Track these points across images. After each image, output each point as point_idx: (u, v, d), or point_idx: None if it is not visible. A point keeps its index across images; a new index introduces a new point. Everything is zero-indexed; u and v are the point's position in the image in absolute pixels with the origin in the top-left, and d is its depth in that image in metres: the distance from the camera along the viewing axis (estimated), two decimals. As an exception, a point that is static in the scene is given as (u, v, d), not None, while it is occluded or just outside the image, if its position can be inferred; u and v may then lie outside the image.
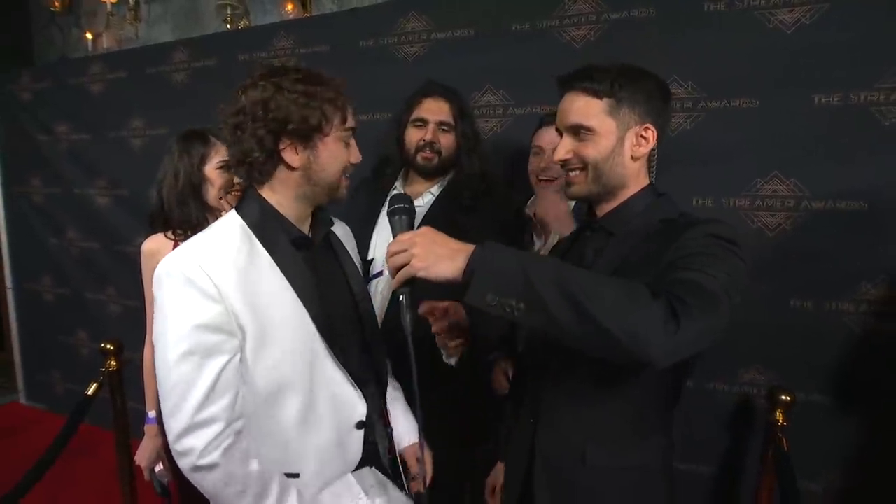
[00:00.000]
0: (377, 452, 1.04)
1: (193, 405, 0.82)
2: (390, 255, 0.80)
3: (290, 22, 2.39)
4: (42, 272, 3.19)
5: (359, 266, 1.10)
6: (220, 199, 1.36)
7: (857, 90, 1.49)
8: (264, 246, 0.91)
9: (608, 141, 0.89)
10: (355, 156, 0.97)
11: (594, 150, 0.90)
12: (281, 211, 0.94)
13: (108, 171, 2.81)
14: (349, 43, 2.16)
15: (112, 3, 3.02)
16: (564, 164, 0.94)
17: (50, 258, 3.12)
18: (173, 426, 0.83)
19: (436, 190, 1.41)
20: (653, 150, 0.93)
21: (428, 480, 1.08)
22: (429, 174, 1.39)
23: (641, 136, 0.90)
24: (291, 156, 0.89)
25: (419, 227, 1.27)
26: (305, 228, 0.99)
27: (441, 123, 1.37)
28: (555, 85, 1.95)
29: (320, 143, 0.90)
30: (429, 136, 1.36)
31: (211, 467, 0.82)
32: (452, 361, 1.01)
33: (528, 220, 1.51)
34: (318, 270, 0.97)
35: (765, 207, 1.61)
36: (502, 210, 1.38)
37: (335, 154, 0.92)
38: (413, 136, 1.39)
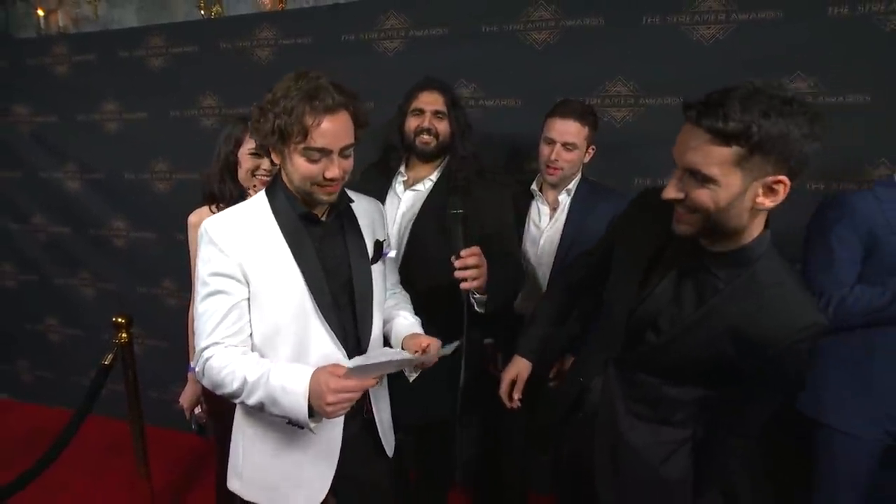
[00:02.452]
0: (360, 409, 1.22)
1: (208, 330, 1.08)
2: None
3: (273, 13, 2.49)
4: (1, 259, 3.12)
5: (370, 245, 1.22)
6: (249, 180, 1.54)
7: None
8: (276, 218, 1.11)
9: (727, 193, 0.81)
10: (330, 172, 1.04)
11: (710, 200, 0.82)
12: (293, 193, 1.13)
13: (79, 155, 2.80)
14: (331, 36, 2.31)
15: (67, -20, 2.94)
16: (675, 202, 0.88)
17: (11, 245, 3.06)
18: (197, 344, 1.10)
19: (435, 176, 1.60)
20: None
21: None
22: (427, 157, 1.60)
23: (770, 188, 0.81)
24: (275, 154, 1.09)
25: (421, 209, 1.55)
26: (320, 208, 1.15)
27: (436, 112, 1.57)
28: (518, 80, 2.21)
29: (287, 152, 1.06)
30: (426, 123, 1.56)
31: (207, 362, 1.08)
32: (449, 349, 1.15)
33: (533, 195, 1.79)
34: (322, 244, 1.14)
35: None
36: (495, 190, 1.60)
37: (297, 166, 1.05)
38: (412, 123, 1.58)
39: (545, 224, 1.79)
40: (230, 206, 1.49)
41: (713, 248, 0.93)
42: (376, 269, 1.22)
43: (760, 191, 0.82)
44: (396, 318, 1.30)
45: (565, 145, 1.68)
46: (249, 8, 2.70)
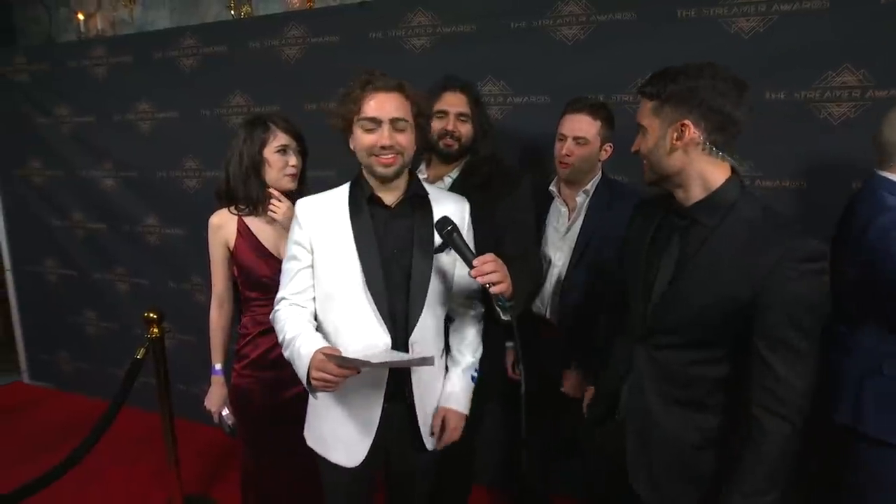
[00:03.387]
0: (400, 391, 1.26)
1: (283, 286, 1.29)
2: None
3: (301, 12, 2.52)
4: (44, 254, 3.25)
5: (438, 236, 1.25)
6: (280, 179, 1.53)
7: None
8: (349, 202, 1.26)
9: (652, 136, 1.05)
10: (380, 139, 1.18)
11: (643, 144, 1.07)
12: (366, 179, 1.27)
13: (115, 154, 2.90)
14: (359, 34, 2.32)
15: (105, -15, 3.04)
16: (638, 155, 1.11)
17: (53, 240, 3.18)
18: (277, 294, 1.30)
19: (454, 174, 1.58)
20: (703, 140, 1.00)
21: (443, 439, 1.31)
22: (450, 159, 1.59)
23: (679, 130, 1.01)
24: (350, 140, 1.24)
25: None
26: (391, 196, 1.26)
27: (460, 114, 1.54)
28: (547, 77, 2.16)
29: (352, 131, 1.22)
30: (450, 127, 1.53)
31: (276, 313, 1.29)
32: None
33: (551, 196, 1.76)
34: (388, 228, 1.24)
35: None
36: (512, 186, 1.56)
37: (358, 139, 1.21)
38: (435, 125, 1.55)
39: (563, 225, 1.74)
40: (253, 206, 1.53)
41: (686, 203, 1.07)
42: (444, 260, 1.27)
43: (675, 134, 1.02)
44: (453, 371, 1.35)
45: (576, 139, 1.64)
46: (279, 8, 2.73)
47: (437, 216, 1.24)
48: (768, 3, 1.81)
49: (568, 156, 1.65)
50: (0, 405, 3.21)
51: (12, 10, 3.49)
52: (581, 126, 1.64)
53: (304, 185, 1.61)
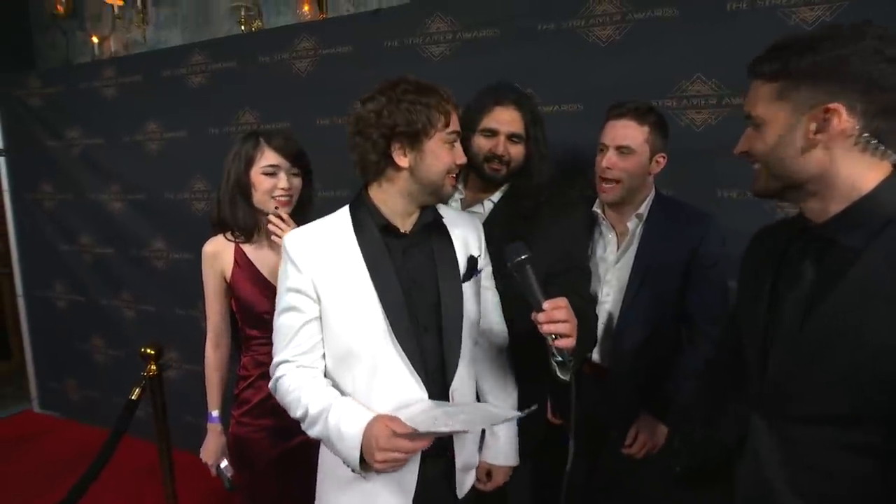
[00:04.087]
0: (444, 451, 1.09)
1: (282, 347, 1.06)
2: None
3: (312, 23, 2.40)
4: (54, 279, 3.17)
5: (462, 262, 1.11)
6: (267, 203, 1.34)
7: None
8: (355, 231, 1.05)
9: (774, 130, 0.77)
10: (460, 157, 1.05)
11: (761, 142, 0.79)
12: (385, 206, 1.06)
13: (123, 176, 2.81)
14: (373, 43, 2.18)
15: (118, 6, 3.00)
16: (745, 159, 0.84)
17: (62, 264, 3.10)
18: (274, 356, 1.07)
19: (496, 197, 1.37)
20: (858, 130, 0.73)
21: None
22: (495, 184, 1.37)
23: (823, 119, 0.74)
24: (400, 157, 1.02)
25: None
26: (407, 222, 1.08)
27: (512, 135, 1.30)
28: (579, 82, 1.95)
29: (425, 145, 1.01)
30: (500, 150, 1.29)
31: (279, 381, 1.06)
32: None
33: (595, 219, 1.50)
34: (407, 258, 1.06)
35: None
36: (562, 216, 1.33)
37: (438, 155, 1.02)
38: (482, 145, 1.31)
39: (612, 255, 1.47)
40: (244, 232, 1.35)
41: (821, 218, 0.79)
42: (469, 288, 1.12)
43: (813, 125, 0.75)
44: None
45: (619, 149, 1.38)
46: (290, 21, 2.62)
47: (455, 240, 1.12)
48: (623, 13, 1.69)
49: (609, 168, 1.39)
50: (11, 434, 3.12)
51: (31, 35, 3.50)
52: (626, 133, 1.38)
53: (307, 210, 1.42)
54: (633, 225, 1.46)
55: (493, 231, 1.26)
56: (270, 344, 1.15)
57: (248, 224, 1.35)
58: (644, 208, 1.45)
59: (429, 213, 1.10)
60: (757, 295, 0.87)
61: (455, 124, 1.04)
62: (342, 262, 1.03)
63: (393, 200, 1.05)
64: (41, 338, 3.33)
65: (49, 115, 2.97)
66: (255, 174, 1.33)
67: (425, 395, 1.03)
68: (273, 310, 1.18)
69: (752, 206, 1.69)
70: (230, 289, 1.40)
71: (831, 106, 0.73)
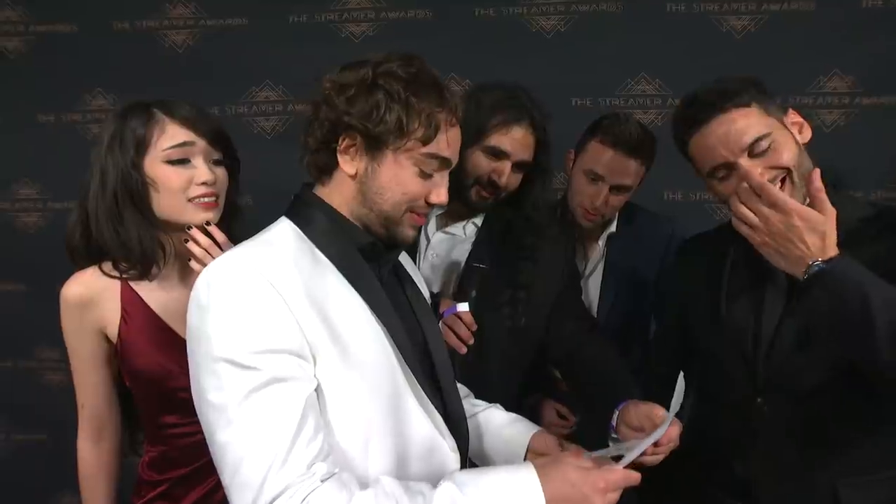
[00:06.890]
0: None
1: (278, 459, 0.59)
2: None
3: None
4: None
5: (425, 294, 0.93)
6: (182, 206, 0.90)
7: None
8: (325, 255, 0.73)
9: (783, 138, 0.88)
10: (438, 195, 0.76)
11: (786, 152, 0.87)
12: (342, 211, 0.77)
13: None
14: (274, 16, 1.80)
15: None
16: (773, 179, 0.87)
17: None
18: (265, 489, 0.58)
19: (479, 220, 1.19)
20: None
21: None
22: (478, 210, 1.17)
23: (795, 123, 0.91)
24: (345, 157, 0.73)
25: (465, 264, 1.13)
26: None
27: (520, 163, 1.11)
28: (523, 75, 1.78)
29: (385, 155, 0.73)
30: (503, 180, 1.09)
31: None
32: None
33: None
34: (385, 289, 0.78)
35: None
36: (557, 251, 1.18)
37: (399, 178, 0.73)
38: (482, 165, 1.09)
39: (583, 274, 1.41)
40: (140, 263, 0.89)
41: None
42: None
43: (796, 129, 0.90)
44: (492, 411, 0.95)
45: (618, 189, 1.28)
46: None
47: (406, 265, 0.92)
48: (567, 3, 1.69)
49: (603, 206, 1.28)
50: None
51: None
52: (629, 171, 1.26)
53: (236, 221, 1.00)
54: (601, 243, 1.42)
55: (486, 262, 1.11)
56: (197, 431, 0.74)
57: (145, 248, 0.89)
58: (613, 226, 1.41)
59: None
60: (713, 305, 0.97)
61: (444, 149, 0.74)
62: (328, 298, 0.70)
63: (343, 209, 0.77)
64: None
65: None
66: (154, 164, 0.89)
67: (458, 466, 0.79)
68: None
69: (696, 208, 1.74)
70: (119, 355, 0.93)
71: (790, 114, 0.92)
